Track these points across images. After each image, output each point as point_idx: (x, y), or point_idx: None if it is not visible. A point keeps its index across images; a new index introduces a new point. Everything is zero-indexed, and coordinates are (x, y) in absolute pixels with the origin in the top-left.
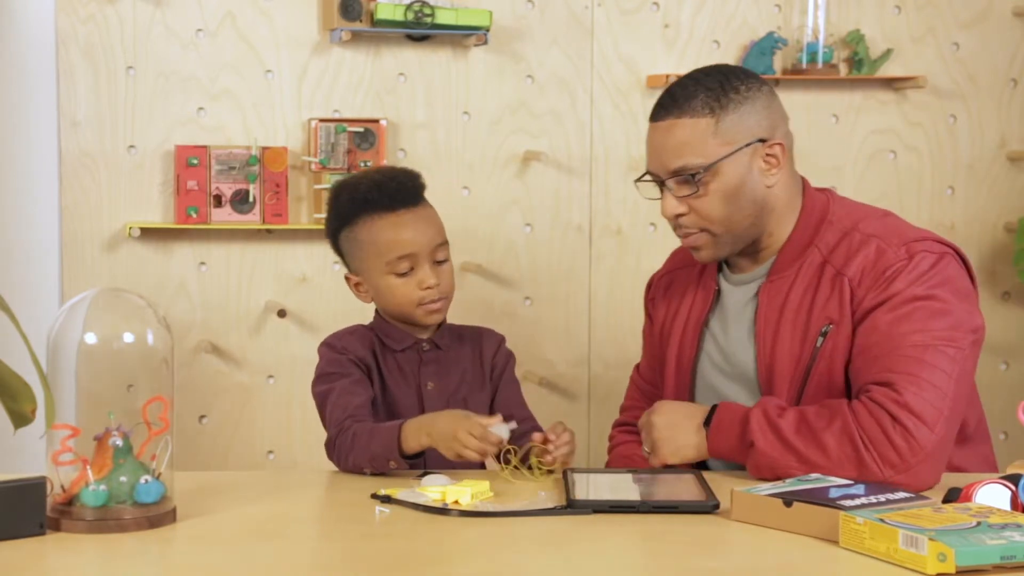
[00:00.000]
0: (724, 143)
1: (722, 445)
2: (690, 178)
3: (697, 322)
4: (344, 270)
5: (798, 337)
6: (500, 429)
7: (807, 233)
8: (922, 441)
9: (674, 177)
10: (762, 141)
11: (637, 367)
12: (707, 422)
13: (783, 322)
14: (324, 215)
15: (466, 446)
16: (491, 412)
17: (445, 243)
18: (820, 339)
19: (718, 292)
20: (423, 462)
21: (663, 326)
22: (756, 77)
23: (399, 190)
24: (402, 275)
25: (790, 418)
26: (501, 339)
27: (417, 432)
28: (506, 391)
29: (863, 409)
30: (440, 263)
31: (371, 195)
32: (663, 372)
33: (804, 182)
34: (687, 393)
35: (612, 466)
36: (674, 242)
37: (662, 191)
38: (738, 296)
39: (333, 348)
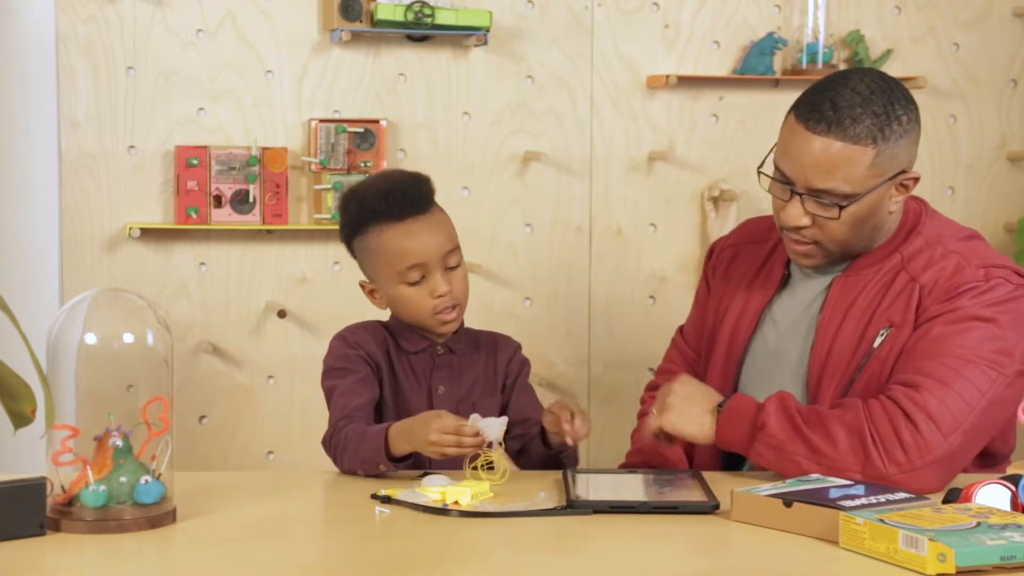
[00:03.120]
0: (875, 175)
1: (731, 430)
2: (832, 203)
3: (759, 305)
4: (347, 274)
5: (857, 334)
6: (488, 425)
7: (896, 242)
8: (931, 444)
9: (814, 196)
10: (903, 172)
11: (681, 329)
12: (720, 407)
13: (848, 318)
14: (324, 216)
15: (442, 444)
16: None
17: (456, 248)
18: (879, 339)
19: (787, 278)
20: (412, 463)
21: (721, 299)
22: (913, 102)
23: (405, 199)
24: (414, 284)
25: (804, 409)
26: (517, 346)
27: (398, 438)
28: (522, 397)
29: (879, 406)
30: (452, 268)
31: (378, 205)
32: (711, 346)
33: None
34: (733, 372)
35: (640, 433)
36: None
37: (790, 195)
38: (810, 285)
39: (346, 342)
